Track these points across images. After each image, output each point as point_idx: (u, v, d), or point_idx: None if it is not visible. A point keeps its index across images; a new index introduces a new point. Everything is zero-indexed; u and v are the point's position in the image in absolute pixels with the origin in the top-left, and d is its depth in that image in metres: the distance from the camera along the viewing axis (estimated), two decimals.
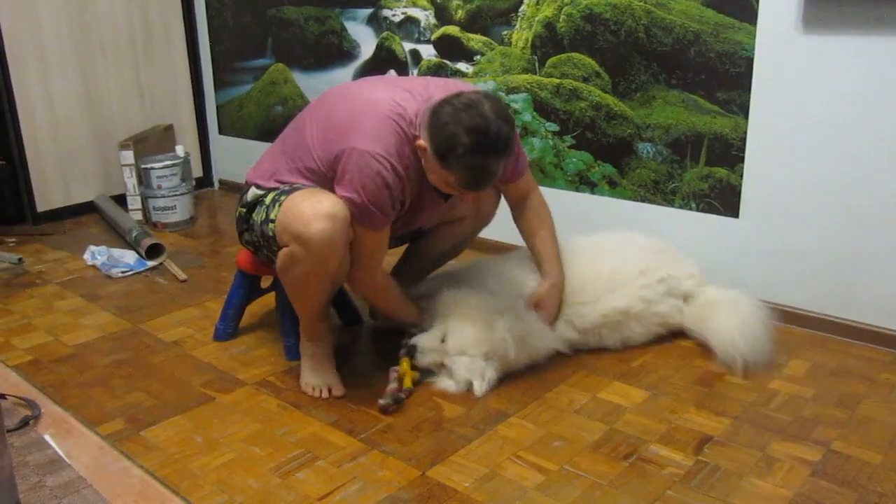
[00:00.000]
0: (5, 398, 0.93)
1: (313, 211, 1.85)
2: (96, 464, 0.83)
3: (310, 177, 1.99)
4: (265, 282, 2.45)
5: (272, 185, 2.05)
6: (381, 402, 1.98)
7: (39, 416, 0.98)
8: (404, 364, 2.09)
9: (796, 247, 2.40)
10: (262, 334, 2.46)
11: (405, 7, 3.20)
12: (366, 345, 2.43)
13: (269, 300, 2.54)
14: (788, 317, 2.44)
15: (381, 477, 1.72)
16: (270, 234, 1.97)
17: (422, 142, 1.86)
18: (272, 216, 1.95)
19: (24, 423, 0.95)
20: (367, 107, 1.93)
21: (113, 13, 3.82)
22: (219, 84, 4.17)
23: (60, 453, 0.83)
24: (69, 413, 0.98)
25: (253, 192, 2.09)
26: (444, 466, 1.75)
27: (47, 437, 0.88)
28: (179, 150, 3.76)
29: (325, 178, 1.97)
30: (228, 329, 2.44)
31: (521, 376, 2.13)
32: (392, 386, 2.03)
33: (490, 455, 1.80)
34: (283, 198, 1.95)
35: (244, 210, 2.10)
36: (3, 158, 3.60)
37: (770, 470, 1.73)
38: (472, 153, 1.77)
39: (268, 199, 2.00)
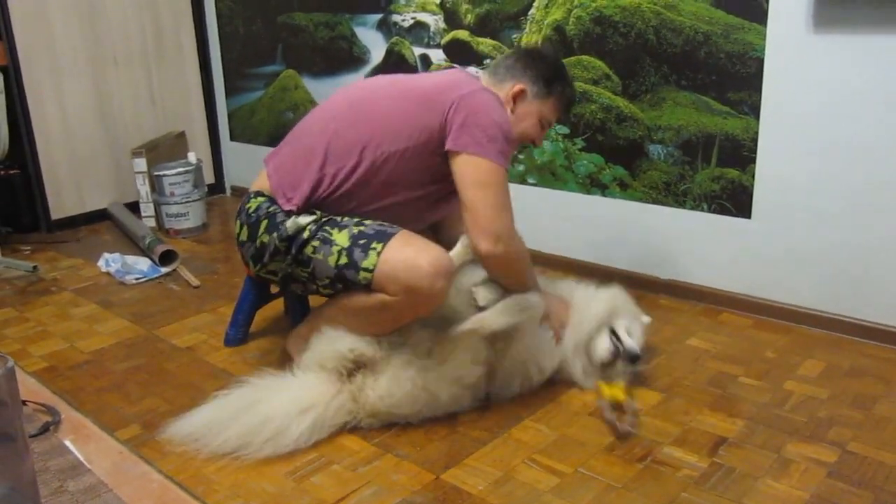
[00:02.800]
0: (26, 404, 0.95)
1: (432, 267, 1.83)
2: (116, 469, 0.84)
3: (372, 177, 1.96)
4: (275, 287, 2.46)
5: (311, 212, 1.98)
6: (621, 429, 1.88)
7: (60, 422, 0.99)
8: (603, 388, 2.00)
9: (809, 247, 2.39)
10: (275, 339, 2.47)
11: (415, 12, 3.21)
12: None
13: (279, 304, 2.56)
14: (802, 317, 2.43)
15: (396, 481, 1.72)
16: (363, 282, 1.89)
17: (519, 85, 2.05)
18: (365, 265, 1.87)
19: (45, 429, 0.96)
20: (451, 76, 2.03)
21: (125, 22, 3.85)
22: (230, 91, 4.20)
23: (81, 458, 0.84)
24: (88, 419, 1.00)
25: (295, 223, 1.96)
26: (458, 470, 1.76)
27: (67, 443, 0.89)
28: (191, 157, 3.79)
29: (403, 159, 1.95)
30: (239, 335, 2.45)
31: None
32: (610, 417, 1.92)
33: (504, 458, 1.80)
34: (377, 245, 1.88)
35: (283, 244, 1.96)
36: (18, 167, 3.64)
37: (785, 471, 1.72)
38: (571, 79, 2.15)
39: (340, 240, 1.91)
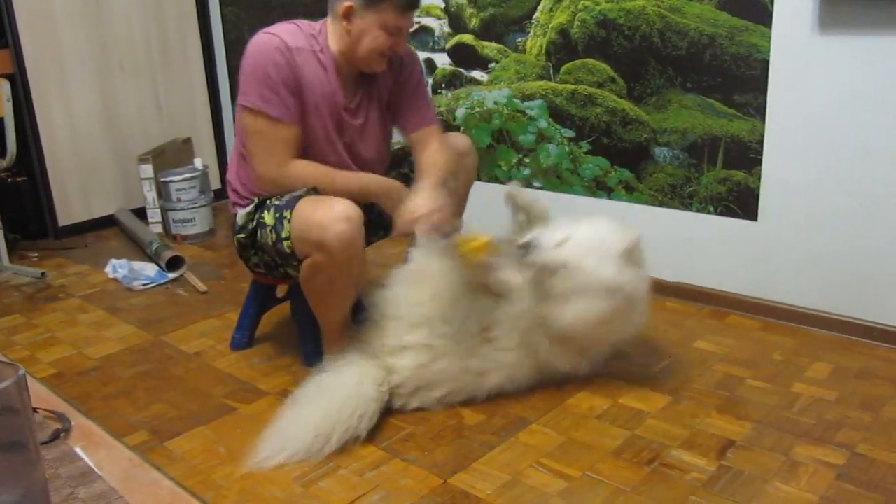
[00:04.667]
0: (36, 412, 0.95)
1: (328, 216, 1.88)
2: (127, 475, 0.85)
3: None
4: (280, 291, 2.47)
5: (250, 198, 2.12)
6: None
7: (70, 428, 0.99)
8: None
9: (817, 249, 2.38)
10: (282, 343, 2.47)
11: (419, 16, 3.22)
12: None
13: (285, 309, 2.56)
14: (810, 319, 2.43)
15: (404, 485, 1.72)
16: (288, 251, 1.98)
17: (345, 3, 1.98)
18: (284, 234, 1.97)
19: (56, 436, 0.96)
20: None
21: (131, 30, 3.87)
22: (235, 97, 4.20)
23: (91, 465, 0.84)
24: (98, 426, 1.00)
25: (241, 216, 2.11)
26: (465, 474, 1.76)
27: (78, 450, 0.89)
28: (198, 163, 3.80)
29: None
30: (244, 338, 2.46)
31: (541, 383, 2.12)
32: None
33: (512, 462, 1.80)
34: (287, 213, 1.97)
35: (243, 236, 2.11)
36: (25, 174, 3.66)
37: (794, 474, 1.71)
38: None
39: (268, 219, 2.01)
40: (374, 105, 2.21)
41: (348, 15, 1.99)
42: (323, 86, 2.07)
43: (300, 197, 1.99)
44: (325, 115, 2.09)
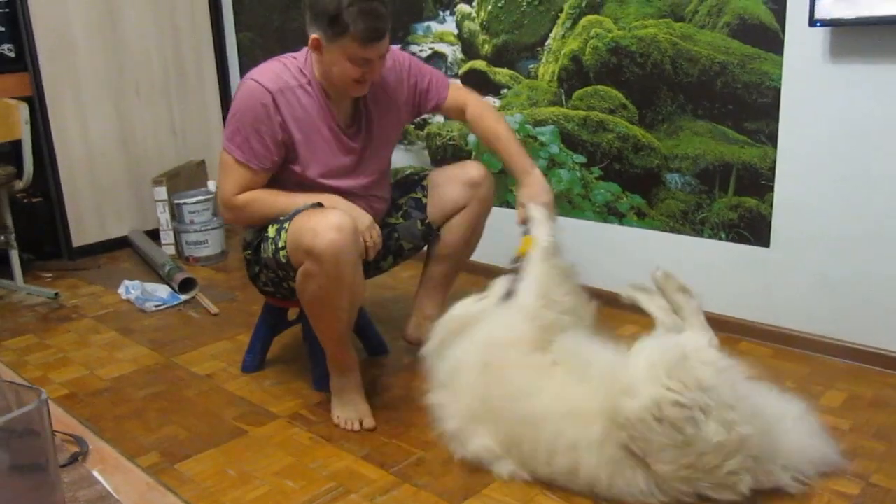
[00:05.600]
0: (55, 434, 0.96)
1: (321, 224, 1.89)
2: (144, 500, 0.85)
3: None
4: (292, 314, 2.48)
5: None
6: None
7: (87, 452, 1.00)
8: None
9: (829, 276, 2.38)
10: (293, 366, 2.48)
11: (432, 42, 3.25)
12: (394, 376, 2.43)
13: (297, 332, 2.57)
14: (824, 347, 2.41)
15: None
16: (284, 260, 2.00)
17: (312, 37, 1.99)
18: (281, 244, 1.99)
19: (74, 459, 0.97)
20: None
21: (147, 54, 3.93)
22: None
23: (109, 489, 0.85)
24: (116, 450, 1.01)
25: (250, 232, 2.19)
26: (476, 500, 1.75)
27: (96, 473, 0.90)
28: (211, 186, 3.83)
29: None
30: (255, 361, 2.47)
31: None
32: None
33: (522, 489, 1.78)
34: (287, 224, 1.99)
35: (249, 253, 2.19)
36: (41, 195, 3.70)
37: None
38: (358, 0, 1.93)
39: (271, 232, 2.04)
40: (378, 118, 2.23)
41: (317, 47, 2.02)
42: (315, 116, 2.10)
43: (299, 211, 2.01)
44: (322, 142, 2.13)
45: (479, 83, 3.12)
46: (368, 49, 1.96)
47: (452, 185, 2.34)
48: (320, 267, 1.90)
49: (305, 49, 2.11)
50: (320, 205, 2.03)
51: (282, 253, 1.99)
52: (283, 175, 2.13)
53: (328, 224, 1.89)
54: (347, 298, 2.00)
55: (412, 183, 2.43)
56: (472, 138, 3.18)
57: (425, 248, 2.46)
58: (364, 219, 2.06)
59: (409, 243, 2.40)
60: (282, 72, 2.09)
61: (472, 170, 2.35)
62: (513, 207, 3.05)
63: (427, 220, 2.37)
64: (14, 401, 0.79)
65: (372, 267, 2.38)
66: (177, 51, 4.05)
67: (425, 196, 2.38)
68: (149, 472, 1.74)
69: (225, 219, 2.26)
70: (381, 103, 2.23)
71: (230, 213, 2.16)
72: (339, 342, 2.09)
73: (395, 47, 3.36)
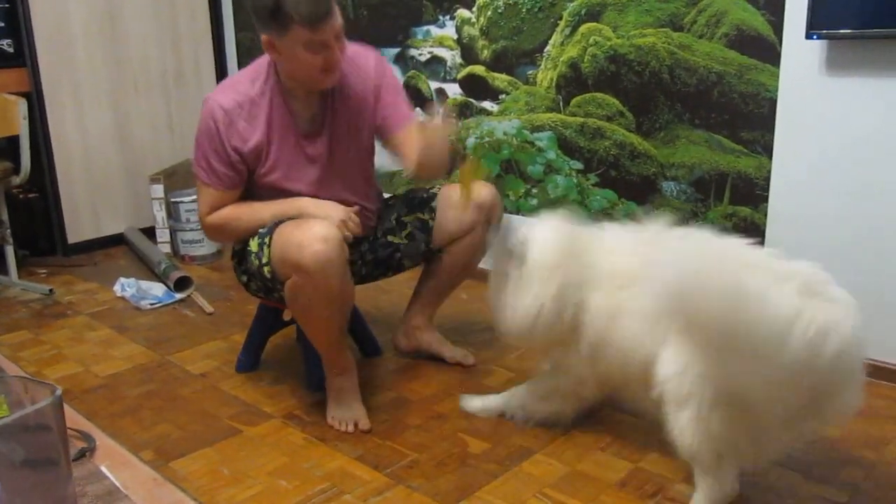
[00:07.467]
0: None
1: (306, 236, 1.88)
2: (152, 496, 0.86)
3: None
4: (287, 314, 2.49)
5: None
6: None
7: (95, 447, 1.01)
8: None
9: None
10: (288, 367, 2.48)
11: (431, 47, 3.27)
12: (388, 377, 2.44)
13: (291, 332, 2.57)
14: None
15: None
16: (269, 276, 2.00)
17: (263, 38, 1.96)
18: (265, 259, 1.99)
19: (82, 455, 0.98)
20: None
21: (146, 51, 3.93)
22: None
23: (118, 484, 0.86)
24: (123, 446, 1.02)
25: (237, 242, 2.19)
26: (469, 502, 1.76)
27: (104, 469, 0.91)
28: None
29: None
30: (250, 360, 2.47)
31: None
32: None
33: (516, 492, 1.80)
34: (267, 239, 1.99)
35: (235, 262, 2.21)
36: (37, 191, 3.69)
37: None
38: None
39: (253, 247, 2.04)
40: (346, 121, 2.16)
41: (271, 47, 1.97)
42: (277, 123, 2.08)
43: (281, 223, 2.00)
44: (287, 148, 2.10)
45: (478, 88, 3.14)
46: (318, 31, 1.88)
47: (461, 208, 2.28)
48: (309, 280, 1.89)
49: (265, 56, 2.08)
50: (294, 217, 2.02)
51: (266, 269, 2.00)
52: (256, 184, 2.13)
53: (313, 236, 1.87)
54: (338, 306, 2.00)
55: (420, 202, 2.37)
56: (470, 141, 3.20)
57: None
58: (336, 213, 2.00)
59: (410, 262, 2.41)
60: (239, 85, 2.09)
61: (481, 191, 2.27)
62: (512, 210, 3.07)
63: (431, 246, 2.36)
64: (25, 395, 0.80)
65: (369, 279, 2.40)
66: (176, 48, 4.05)
67: (432, 219, 2.33)
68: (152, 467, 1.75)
69: (207, 237, 2.46)
70: (351, 104, 2.16)
71: (207, 232, 2.22)
72: (333, 346, 2.10)
73: (394, 50, 3.38)
